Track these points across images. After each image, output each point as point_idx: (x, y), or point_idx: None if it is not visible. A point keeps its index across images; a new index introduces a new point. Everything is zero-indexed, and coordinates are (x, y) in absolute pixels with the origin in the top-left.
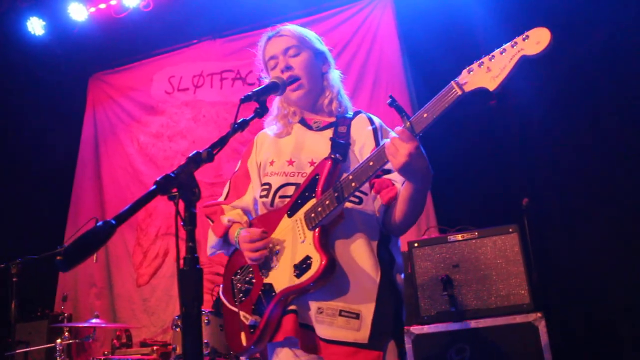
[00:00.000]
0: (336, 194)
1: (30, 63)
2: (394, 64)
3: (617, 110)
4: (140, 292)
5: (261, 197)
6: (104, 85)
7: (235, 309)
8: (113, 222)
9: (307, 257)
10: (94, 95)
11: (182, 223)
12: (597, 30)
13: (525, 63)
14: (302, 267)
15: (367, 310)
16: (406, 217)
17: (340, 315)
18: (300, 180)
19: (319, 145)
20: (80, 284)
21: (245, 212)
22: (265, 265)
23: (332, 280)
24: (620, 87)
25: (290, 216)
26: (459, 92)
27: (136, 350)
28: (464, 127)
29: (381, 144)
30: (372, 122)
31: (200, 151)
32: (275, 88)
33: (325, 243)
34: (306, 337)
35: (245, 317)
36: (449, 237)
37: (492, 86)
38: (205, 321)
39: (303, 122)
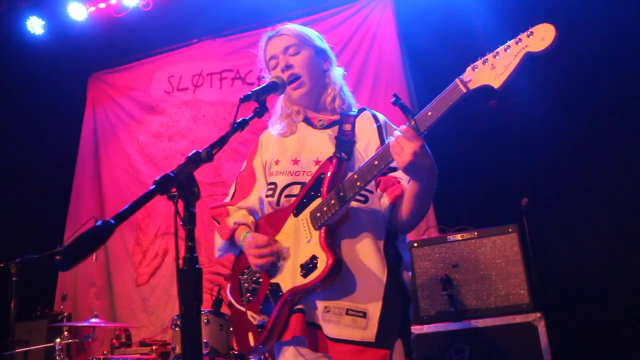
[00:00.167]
0: (341, 194)
1: (29, 62)
2: (393, 64)
3: (617, 110)
4: (139, 291)
5: (267, 196)
6: (104, 85)
7: (243, 309)
8: (112, 221)
9: (314, 257)
10: (93, 94)
11: (181, 222)
12: (597, 30)
13: (528, 61)
14: (308, 266)
15: (374, 309)
16: (412, 215)
17: (347, 314)
18: (306, 179)
19: (323, 143)
20: (80, 283)
21: (251, 212)
22: (271, 265)
23: (338, 279)
24: (620, 87)
25: (296, 216)
26: (464, 90)
27: (135, 350)
28: (463, 126)
29: (386, 141)
30: (376, 119)
31: (200, 151)
32: (274, 87)
33: (332, 243)
34: (313, 336)
35: (253, 317)
36: (448, 237)
37: (496, 84)
38: (205, 321)
39: (307, 121)
